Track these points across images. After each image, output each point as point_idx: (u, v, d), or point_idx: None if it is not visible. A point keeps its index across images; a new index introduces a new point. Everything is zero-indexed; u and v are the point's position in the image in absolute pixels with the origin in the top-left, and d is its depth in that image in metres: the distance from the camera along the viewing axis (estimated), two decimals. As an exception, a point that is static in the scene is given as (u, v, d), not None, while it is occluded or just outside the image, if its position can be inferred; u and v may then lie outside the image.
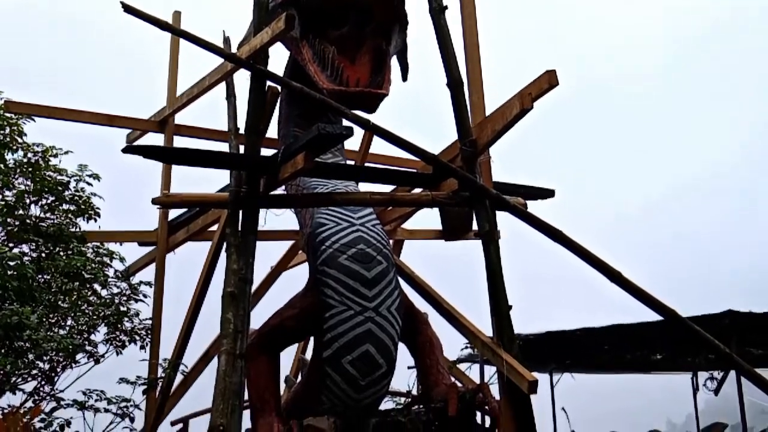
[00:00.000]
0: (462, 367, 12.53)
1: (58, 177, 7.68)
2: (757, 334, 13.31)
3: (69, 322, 7.23)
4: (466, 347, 13.44)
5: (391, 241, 8.90)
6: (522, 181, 8.77)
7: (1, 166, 7.41)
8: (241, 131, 7.39)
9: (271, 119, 7.18)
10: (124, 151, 6.43)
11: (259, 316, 7.28)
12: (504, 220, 7.53)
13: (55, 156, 7.76)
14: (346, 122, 6.75)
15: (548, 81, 6.44)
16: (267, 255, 9.91)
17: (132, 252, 9.61)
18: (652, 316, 7.17)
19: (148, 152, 6.64)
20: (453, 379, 7.98)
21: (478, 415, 6.97)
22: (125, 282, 7.61)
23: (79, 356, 7.01)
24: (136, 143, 9.82)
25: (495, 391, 7.08)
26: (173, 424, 10.78)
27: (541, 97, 6.55)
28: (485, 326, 7.39)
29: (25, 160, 7.59)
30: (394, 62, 7.39)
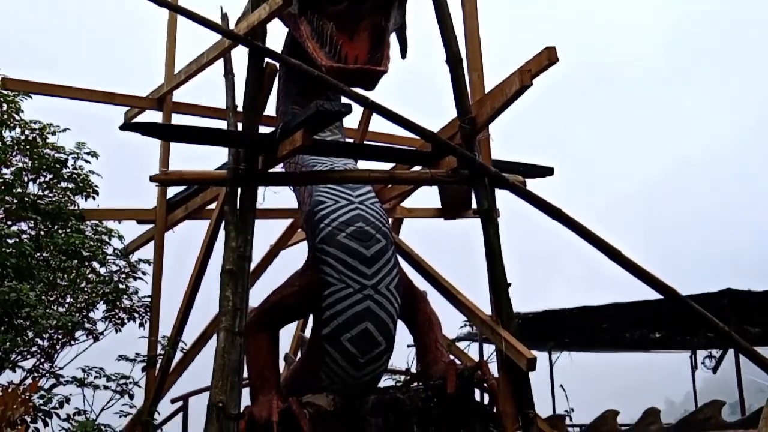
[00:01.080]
0: (461, 345, 12.57)
1: (56, 155, 7.64)
2: (756, 313, 13.35)
3: (68, 300, 7.23)
4: (465, 325, 13.48)
5: (390, 220, 8.90)
6: (521, 159, 8.74)
7: (-1, 143, 7.38)
8: (240, 109, 7.36)
9: (269, 96, 7.15)
10: (122, 128, 6.40)
11: (259, 294, 7.29)
12: (503, 199, 7.52)
13: (53, 133, 7.73)
14: (345, 99, 6.72)
15: (548, 58, 6.41)
16: (266, 233, 9.92)
17: (131, 230, 9.61)
18: (651, 295, 7.19)
19: (146, 129, 6.61)
20: (452, 356, 8.00)
21: (477, 392, 7.00)
22: (124, 260, 7.60)
23: (78, 334, 7.02)
24: (134, 121, 9.77)
25: (494, 369, 7.11)
26: (173, 401, 10.82)
27: (541, 74, 6.52)
28: (484, 304, 7.41)
29: (22, 137, 7.55)
30: (393, 39, 7.33)
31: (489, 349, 11.96)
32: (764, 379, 8.00)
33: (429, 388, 6.60)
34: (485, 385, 6.74)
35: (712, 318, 6.72)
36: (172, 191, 9.70)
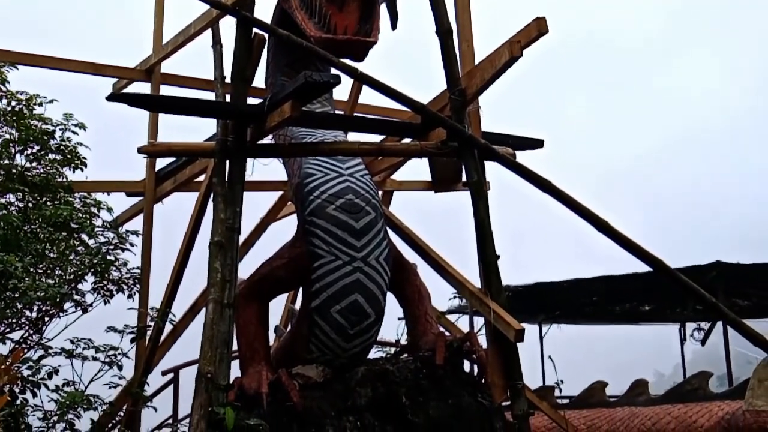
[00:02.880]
0: (452, 318, 12.63)
1: (43, 126, 7.56)
2: (745, 286, 13.46)
3: (57, 272, 7.21)
4: (454, 297, 13.55)
5: (380, 192, 8.89)
6: (512, 132, 8.71)
7: (-15, 114, 7.31)
8: (228, 80, 7.30)
9: (257, 67, 7.10)
10: (109, 98, 6.34)
11: (249, 267, 7.29)
12: (494, 173, 7.52)
13: (40, 105, 7.64)
14: (334, 71, 6.68)
15: (537, 29, 6.39)
16: (256, 206, 9.90)
17: (120, 203, 9.58)
18: (641, 268, 7.22)
19: (133, 100, 6.56)
20: (441, 328, 8.03)
21: (466, 363, 7.04)
22: (113, 231, 7.56)
23: (66, 305, 7.00)
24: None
25: (483, 341, 7.15)
26: (164, 374, 10.87)
27: (531, 45, 6.49)
28: (473, 277, 7.43)
29: (8, 108, 7.47)
30: (383, 10, 7.28)
31: (479, 322, 12.04)
32: (752, 351, 8.08)
33: (418, 360, 6.63)
34: (474, 356, 6.76)
35: (700, 289, 6.76)
36: (161, 164, 9.67)
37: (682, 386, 9.64)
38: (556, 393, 11.37)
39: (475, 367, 7.06)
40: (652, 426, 9.20)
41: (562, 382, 11.63)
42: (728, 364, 12.74)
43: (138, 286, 7.55)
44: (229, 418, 5.52)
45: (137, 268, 7.64)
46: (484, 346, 6.89)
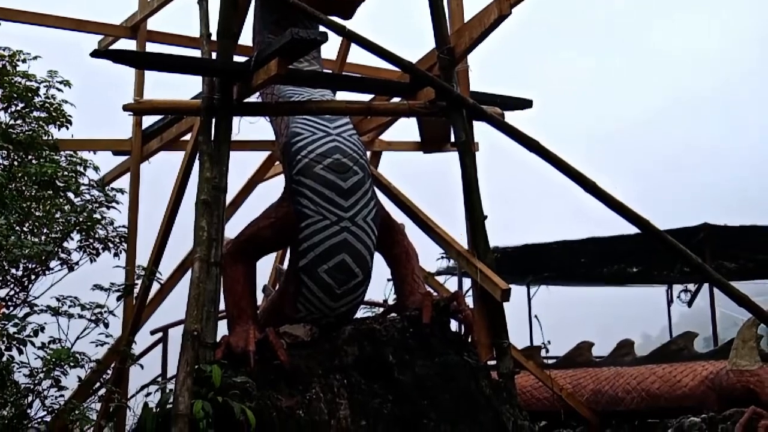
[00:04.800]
0: (440, 279, 12.69)
1: (27, 83, 7.47)
2: (732, 248, 13.53)
3: (44, 231, 7.16)
4: (442, 257, 13.59)
5: (368, 153, 8.85)
6: (500, 92, 8.66)
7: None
8: (214, 38, 7.21)
9: (243, 23, 7.03)
10: (93, 54, 6.27)
11: (237, 227, 7.27)
12: (484, 134, 7.49)
13: (24, 61, 7.54)
14: (322, 28, 6.60)
15: (527, -15, 6.32)
16: (244, 165, 9.86)
17: (107, 162, 9.52)
18: (629, 230, 7.24)
19: (118, 57, 6.48)
20: (429, 288, 8.06)
21: (453, 322, 7.07)
22: (98, 190, 7.51)
23: (52, 264, 6.98)
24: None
25: (470, 301, 7.18)
26: (153, 333, 10.92)
27: (520, 2, 6.43)
28: (461, 238, 7.44)
29: (-9, 64, 7.38)
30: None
31: (468, 284, 12.10)
32: (738, 312, 8.14)
33: (405, 319, 6.65)
34: (460, 315, 6.79)
35: (686, 250, 6.78)
36: (148, 123, 9.59)
37: (668, 346, 9.72)
38: (543, 353, 11.46)
39: (462, 326, 7.10)
40: (637, 385, 9.30)
41: (549, 342, 11.76)
42: (714, 325, 12.87)
43: (124, 244, 7.52)
44: (216, 376, 5.54)
45: (123, 226, 7.60)
46: (471, 306, 6.92)
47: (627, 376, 9.49)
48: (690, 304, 16.53)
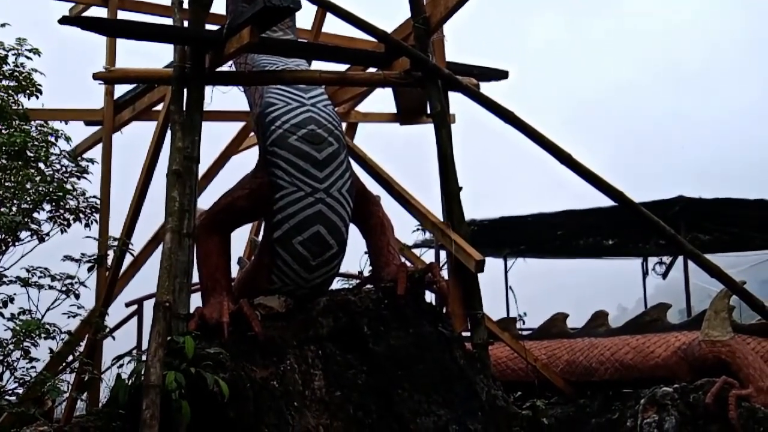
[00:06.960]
0: (417, 252, 12.68)
1: (-5, 51, 7.31)
2: (706, 220, 13.64)
3: (14, 201, 7.04)
4: (417, 229, 13.59)
5: (344, 124, 8.79)
6: (476, 62, 8.62)
7: (-68, 38, 7.03)
8: (186, 5, 7.09)
9: (216, -9, 6.90)
10: (61, 21, 6.15)
11: (210, 199, 7.21)
12: (460, 106, 7.45)
13: (-9, 29, 7.37)
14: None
15: (504, -46, 6.24)
16: (218, 136, 9.77)
17: (78, 132, 9.38)
18: (605, 202, 7.26)
19: (88, 24, 6.37)
20: (405, 260, 8.05)
21: (427, 294, 7.08)
22: (69, 161, 7.38)
23: (23, 235, 6.87)
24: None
25: (446, 273, 7.18)
26: (128, 305, 10.85)
27: (497, -29, 6.36)
28: (437, 210, 7.43)
29: (-44, 31, 7.20)
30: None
31: (445, 256, 12.11)
32: (713, 284, 8.20)
33: (380, 290, 6.65)
34: (435, 286, 6.79)
35: (660, 222, 6.83)
36: (120, 92, 9.46)
37: (641, 317, 9.76)
38: (519, 325, 11.52)
39: (437, 297, 7.11)
40: (611, 356, 9.35)
41: (525, 314, 11.79)
42: (687, 296, 13.00)
43: (96, 215, 7.42)
44: (189, 347, 5.50)
45: (95, 197, 7.50)
46: (446, 277, 6.92)
47: (601, 347, 9.54)
48: (665, 276, 16.67)
